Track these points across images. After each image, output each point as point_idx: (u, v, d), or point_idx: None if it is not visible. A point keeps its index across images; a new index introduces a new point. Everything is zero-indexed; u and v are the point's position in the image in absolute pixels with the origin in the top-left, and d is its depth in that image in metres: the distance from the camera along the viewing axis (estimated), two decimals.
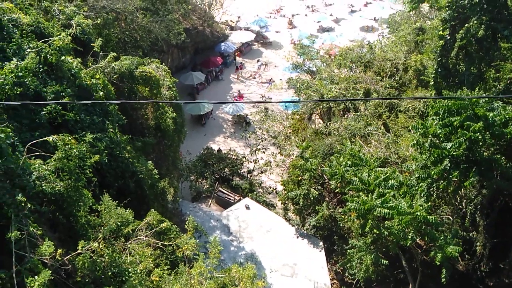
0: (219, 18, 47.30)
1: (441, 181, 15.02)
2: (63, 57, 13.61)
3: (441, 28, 18.96)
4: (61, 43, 13.85)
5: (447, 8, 18.54)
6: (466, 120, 14.12)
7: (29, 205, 9.37)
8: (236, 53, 44.76)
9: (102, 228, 10.97)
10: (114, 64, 16.65)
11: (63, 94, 13.09)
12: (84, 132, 12.59)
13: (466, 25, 18.10)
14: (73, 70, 13.87)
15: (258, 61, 43.94)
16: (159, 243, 12.19)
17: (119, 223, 11.23)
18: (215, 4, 45.39)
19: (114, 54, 16.85)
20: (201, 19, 39.97)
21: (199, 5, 42.57)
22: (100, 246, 10.12)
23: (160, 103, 19.73)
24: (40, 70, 13.19)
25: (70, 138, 10.93)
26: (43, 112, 12.36)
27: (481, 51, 18.35)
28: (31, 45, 13.55)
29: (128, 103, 17.77)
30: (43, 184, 10.04)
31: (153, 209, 13.13)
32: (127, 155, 14.76)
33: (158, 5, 30.28)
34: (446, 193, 16.82)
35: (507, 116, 13.97)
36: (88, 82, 14.14)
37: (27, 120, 12.16)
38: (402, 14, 34.87)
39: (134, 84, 17.75)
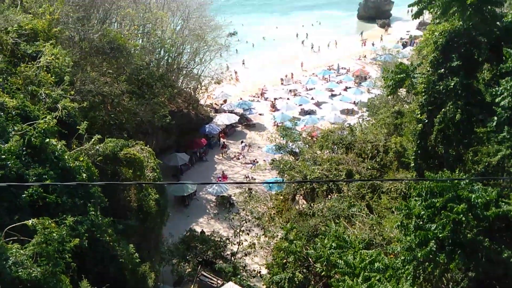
0: (204, 101, 48.43)
1: (428, 264, 14.83)
2: (47, 140, 13.67)
3: (419, 112, 19.65)
4: (46, 125, 13.97)
5: (423, 93, 19.34)
6: (449, 201, 14.24)
7: None
8: (221, 135, 45.42)
9: None
10: (98, 146, 16.74)
11: (46, 176, 12.99)
12: (65, 215, 12.36)
13: (443, 109, 18.80)
14: (56, 153, 13.88)
15: (242, 142, 44.52)
16: None
17: None
18: (200, 88, 46.72)
19: (99, 136, 16.99)
20: (186, 102, 40.84)
21: (185, 89, 43.77)
22: None
23: (144, 185, 19.63)
24: (24, 153, 13.17)
25: (50, 221, 10.71)
26: (24, 195, 12.18)
27: (458, 134, 18.92)
28: (15, 128, 13.62)
29: (111, 185, 17.63)
30: (20, 270, 9.68)
31: None
32: (108, 238, 14.44)
33: (144, 89, 31.02)
34: (433, 275, 16.54)
35: (487, 198, 14.14)
36: (71, 165, 14.11)
37: (7, 203, 11.94)
38: (381, 98, 36.12)
39: (118, 166, 17.74)
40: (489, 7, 18.92)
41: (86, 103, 20.95)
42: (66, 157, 14.11)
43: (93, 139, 16.60)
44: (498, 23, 19.25)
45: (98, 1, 29.42)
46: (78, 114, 18.33)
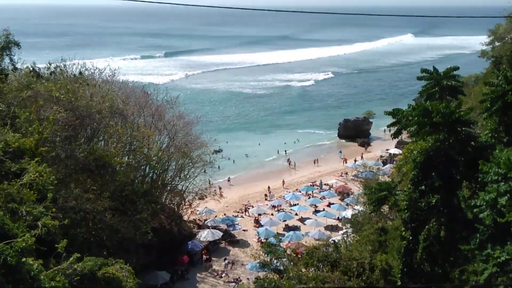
0: (188, 217, 48.05)
1: None
2: (23, 259, 13.23)
3: (403, 229, 19.69)
4: (24, 244, 13.61)
5: (406, 211, 19.54)
6: None
7: None
8: (203, 252, 44.39)
9: None
10: (76, 266, 16.17)
11: None
12: None
13: (427, 226, 18.90)
14: (32, 273, 13.36)
15: (225, 259, 43.44)
16: None
17: None
18: (184, 204, 46.63)
19: (78, 254, 16.49)
20: (169, 218, 40.46)
21: (168, 205, 43.61)
22: None
23: None
24: None
25: None
26: None
27: (443, 251, 18.83)
28: None
29: None
30: None
31: None
32: None
33: (127, 205, 30.85)
34: None
35: None
36: (47, 285, 13.51)
37: None
38: (364, 214, 36.24)
39: (95, 286, 17.00)
40: (463, 127, 19.96)
41: (67, 220, 20.60)
42: (42, 277, 13.56)
43: (71, 258, 16.09)
44: (472, 142, 20.20)
45: (87, 120, 30.28)
46: (58, 231, 17.94)
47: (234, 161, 67.57)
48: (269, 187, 62.77)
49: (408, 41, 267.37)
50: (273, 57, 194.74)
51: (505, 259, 15.58)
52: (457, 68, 29.51)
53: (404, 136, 56.62)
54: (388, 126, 23.10)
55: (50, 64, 31.84)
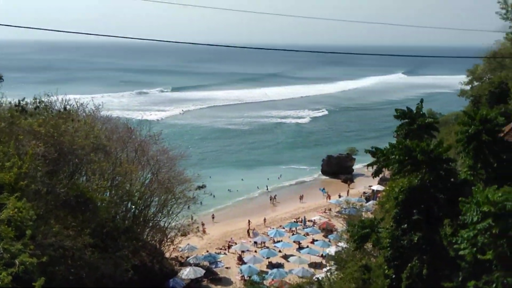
0: (169, 254, 47.28)
1: None
2: None
3: (385, 267, 19.66)
4: (0, 283, 13.27)
5: (388, 248, 19.57)
6: None
7: None
8: None
9: None
10: None
11: None
12: None
13: (409, 264, 18.91)
14: None
15: None
16: None
17: None
18: (166, 240, 45.97)
19: None
20: (151, 255, 39.74)
21: (150, 241, 42.93)
22: None
23: None
24: None
25: None
26: None
27: None
28: None
29: None
30: None
31: None
32: None
33: (108, 242, 30.32)
34: None
35: None
36: None
37: None
38: (348, 251, 36.08)
39: None
40: (443, 165, 20.28)
41: (45, 258, 20.14)
42: None
43: None
44: (453, 179, 20.49)
45: (69, 156, 30.02)
46: (36, 269, 17.51)
47: (214, 196, 67.37)
48: (249, 221, 62.54)
49: (393, 80, 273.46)
50: (259, 94, 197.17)
51: None
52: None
53: (387, 173, 57.25)
54: (367, 165, 23.49)
55: (35, 99, 31.75)
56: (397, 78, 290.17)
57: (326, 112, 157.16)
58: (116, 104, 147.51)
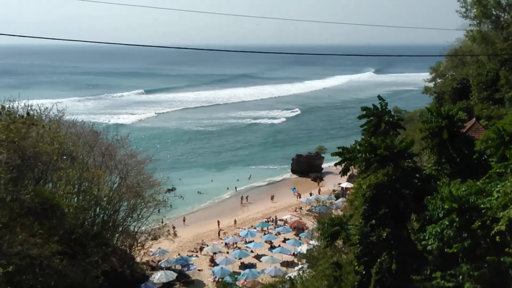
0: (140, 259, 46.74)
1: None
2: None
3: (356, 264, 19.93)
4: None
5: (358, 245, 19.84)
6: None
7: None
8: None
9: None
10: None
11: None
12: None
13: (379, 260, 19.21)
14: None
15: None
16: None
17: None
18: (136, 245, 45.43)
19: None
20: (121, 260, 39.24)
21: (120, 247, 42.34)
22: None
23: None
24: None
25: None
26: None
27: (395, 284, 19.12)
28: None
29: None
30: None
31: None
32: None
33: (77, 249, 29.76)
34: None
35: None
36: None
37: None
38: (319, 249, 36.40)
39: None
40: (408, 161, 20.70)
41: (11, 267, 19.66)
42: None
43: None
44: (418, 175, 20.96)
45: (33, 161, 29.29)
46: (1, 279, 17.08)
47: (183, 197, 66.86)
48: (218, 222, 62.64)
49: (363, 79, 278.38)
50: (228, 95, 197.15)
51: (453, 285, 16.06)
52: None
53: (355, 170, 58.07)
54: (336, 164, 23.79)
55: None
56: (368, 76, 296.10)
57: (298, 112, 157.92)
58: (81, 108, 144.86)
